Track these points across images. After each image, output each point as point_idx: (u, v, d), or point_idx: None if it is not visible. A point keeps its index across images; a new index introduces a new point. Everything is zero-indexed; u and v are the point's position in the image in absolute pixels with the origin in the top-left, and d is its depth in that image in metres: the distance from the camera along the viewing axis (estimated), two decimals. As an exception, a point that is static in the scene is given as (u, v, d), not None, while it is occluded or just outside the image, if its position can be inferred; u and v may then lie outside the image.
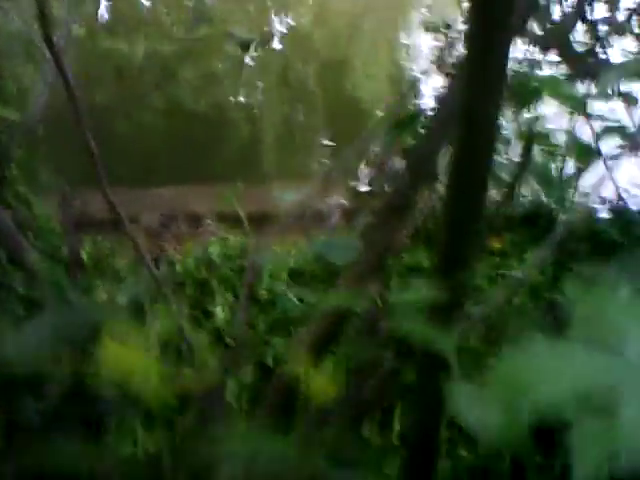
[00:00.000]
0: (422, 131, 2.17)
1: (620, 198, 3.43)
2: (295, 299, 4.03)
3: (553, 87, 2.03)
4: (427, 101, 5.16)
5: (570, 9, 3.48)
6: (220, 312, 3.98)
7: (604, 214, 3.77)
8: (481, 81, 1.15)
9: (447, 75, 1.90)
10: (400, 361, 1.54)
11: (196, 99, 7.26)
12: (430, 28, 4.07)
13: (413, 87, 8.29)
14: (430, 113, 4.35)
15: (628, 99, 2.06)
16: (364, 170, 5.53)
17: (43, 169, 5.38)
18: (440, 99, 1.98)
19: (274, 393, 1.70)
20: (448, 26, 4.03)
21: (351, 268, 2.10)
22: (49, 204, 4.39)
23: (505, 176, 2.65)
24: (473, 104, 1.18)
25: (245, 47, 2.52)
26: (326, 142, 7.03)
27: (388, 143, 4.24)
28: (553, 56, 3.55)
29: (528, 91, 2.29)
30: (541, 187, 3.94)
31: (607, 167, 1.98)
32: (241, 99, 7.47)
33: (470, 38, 1.14)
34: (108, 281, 4.04)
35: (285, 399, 1.85)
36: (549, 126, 2.67)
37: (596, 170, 2.07)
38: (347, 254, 4.32)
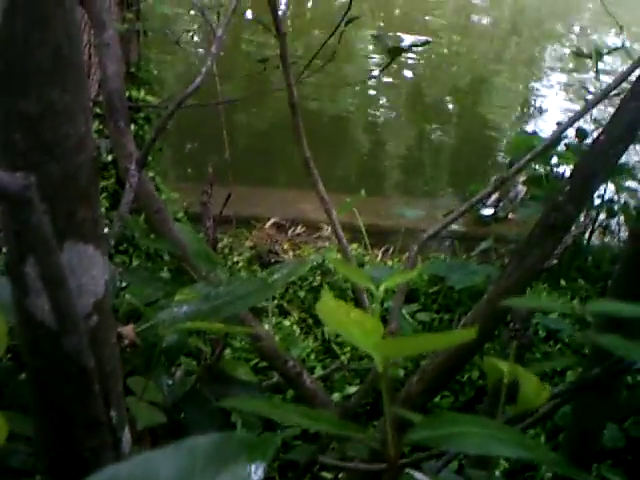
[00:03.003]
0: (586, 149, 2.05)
1: None
2: (408, 316, 3.95)
3: None
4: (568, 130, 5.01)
5: None
6: (330, 319, 3.94)
7: None
8: None
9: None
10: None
11: (323, 104, 7.31)
12: (580, 54, 3.91)
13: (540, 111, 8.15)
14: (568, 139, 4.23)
15: None
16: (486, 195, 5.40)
17: (172, 158, 5.50)
18: (613, 117, 1.87)
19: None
20: (599, 54, 3.86)
21: (498, 283, 2.00)
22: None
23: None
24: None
25: (396, 52, 2.45)
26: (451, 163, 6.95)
27: (517, 169, 4.09)
28: None
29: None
30: None
31: None
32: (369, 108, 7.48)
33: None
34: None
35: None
36: None
37: None
38: (467, 279, 4.21)
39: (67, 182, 0.72)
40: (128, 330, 1.35)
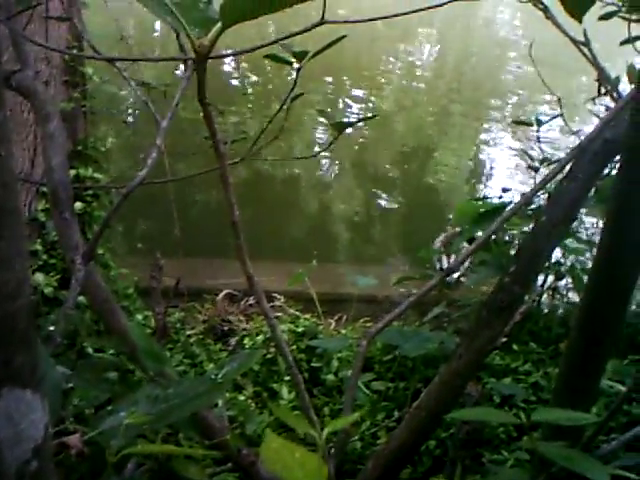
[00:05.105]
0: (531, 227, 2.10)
1: None
2: (363, 386, 3.93)
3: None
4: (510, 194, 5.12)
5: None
6: (286, 392, 3.91)
7: None
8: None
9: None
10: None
11: (274, 175, 7.41)
12: (520, 122, 4.02)
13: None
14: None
15: None
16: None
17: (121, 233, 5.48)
18: (553, 198, 1.93)
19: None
20: (539, 122, 3.97)
21: (449, 365, 2.01)
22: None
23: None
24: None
25: (341, 127, 2.51)
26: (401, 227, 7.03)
27: (466, 235, 4.14)
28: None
29: None
30: None
31: None
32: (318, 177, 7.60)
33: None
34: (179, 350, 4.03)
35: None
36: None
37: None
38: (420, 347, 4.21)
39: (4, 328, 0.71)
40: (74, 439, 1.32)
